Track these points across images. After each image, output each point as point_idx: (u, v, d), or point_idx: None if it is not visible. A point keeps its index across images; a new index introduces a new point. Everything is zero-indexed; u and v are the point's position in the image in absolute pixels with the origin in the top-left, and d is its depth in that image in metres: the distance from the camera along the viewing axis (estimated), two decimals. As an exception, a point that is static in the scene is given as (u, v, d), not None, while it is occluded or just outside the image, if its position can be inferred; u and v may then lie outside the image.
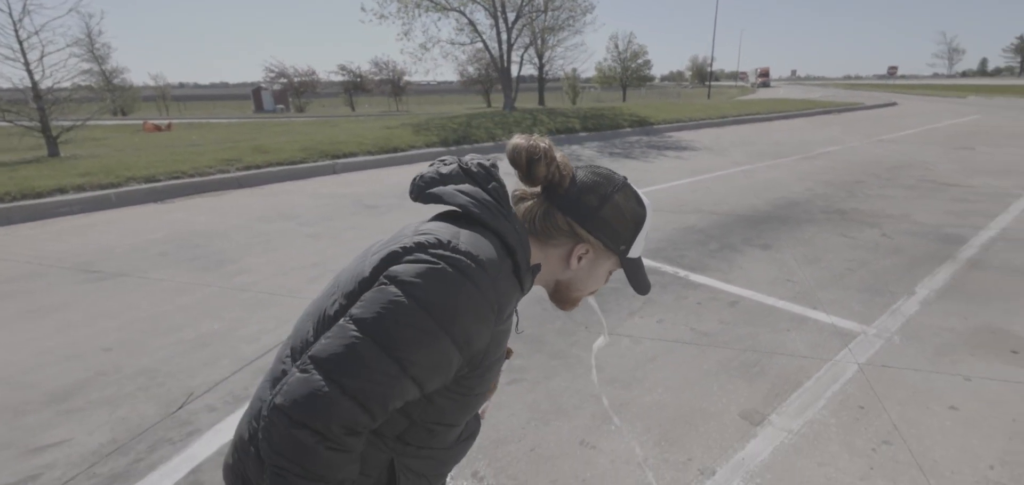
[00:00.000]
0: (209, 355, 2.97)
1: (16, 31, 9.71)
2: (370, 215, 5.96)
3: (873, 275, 3.98)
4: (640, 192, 0.93)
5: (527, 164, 0.84)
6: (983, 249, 4.50)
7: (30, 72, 9.95)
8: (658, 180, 7.59)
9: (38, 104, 10.01)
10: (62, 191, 6.47)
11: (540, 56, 26.79)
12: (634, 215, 0.90)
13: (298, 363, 0.73)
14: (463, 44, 21.94)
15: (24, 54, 9.86)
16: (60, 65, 10.68)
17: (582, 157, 10.05)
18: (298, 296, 3.73)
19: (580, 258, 0.90)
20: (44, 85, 10.14)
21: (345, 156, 9.11)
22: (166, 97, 47.65)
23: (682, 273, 4.05)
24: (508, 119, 14.60)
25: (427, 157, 9.81)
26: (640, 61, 47.73)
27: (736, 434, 2.26)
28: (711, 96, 37.04)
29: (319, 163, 8.66)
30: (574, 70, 35.51)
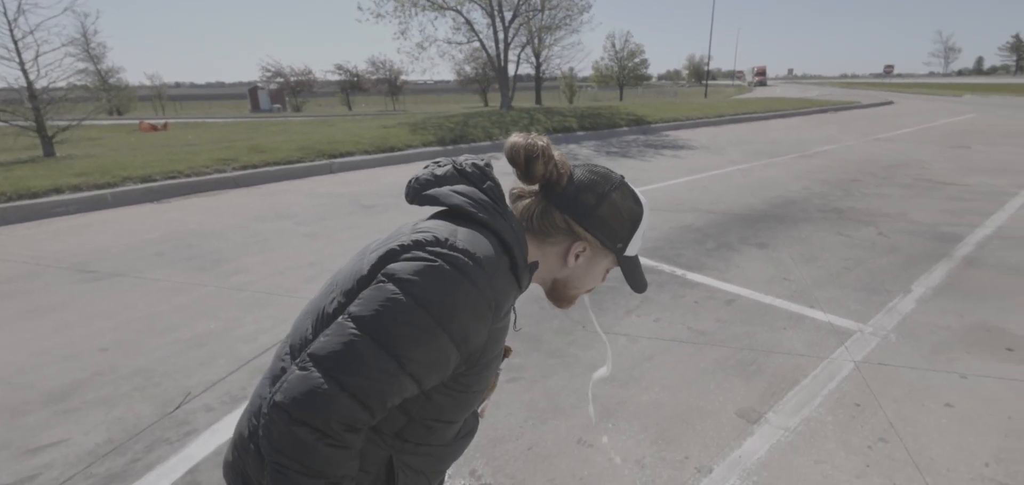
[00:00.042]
0: (206, 355, 2.96)
1: (11, 31, 9.66)
2: (367, 214, 5.96)
3: (869, 273, 3.99)
4: (637, 191, 0.93)
5: (525, 162, 0.84)
6: (979, 247, 4.52)
7: (25, 72, 9.89)
8: (655, 179, 7.61)
9: (33, 104, 9.95)
10: (58, 191, 6.45)
11: (537, 55, 26.83)
12: (631, 213, 0.90)
13: (297, 361, 0.73)
14: (460, 43, 21.97)
15: (19, 54, 9.81)
16: (55, 65, 10.67)
17: (579, 156, 10.05)
18: (295, 296, 3.73)
19: (577, 256, 0.90)
20: (39, 85, 10.09)
21: (342, 155, 9.10)
22: (162, 97, 47.55)
23: (679, 272, 4.06)
24: (505, 118, 14.59)
25: (424, 156, 9.80)
26: (637, 60, 47.75)
27: (733, 432, 2.27)
28: (708, 95, 37.08)
29: (316, 163, 8.65)
30: (571, 69, 35.60)
